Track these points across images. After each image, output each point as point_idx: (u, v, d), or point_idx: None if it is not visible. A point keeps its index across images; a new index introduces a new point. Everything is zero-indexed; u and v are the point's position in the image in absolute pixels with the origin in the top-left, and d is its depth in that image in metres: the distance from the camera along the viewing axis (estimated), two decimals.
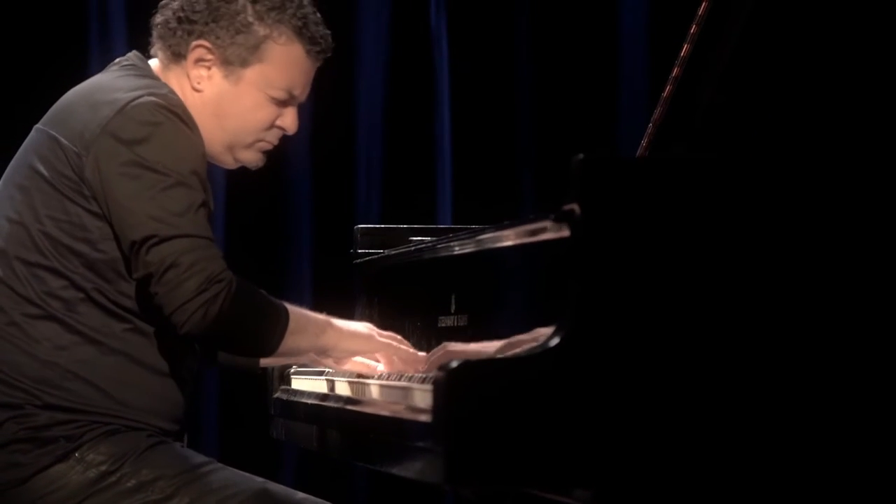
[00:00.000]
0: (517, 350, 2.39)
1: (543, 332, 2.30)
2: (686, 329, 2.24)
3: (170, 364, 2.76)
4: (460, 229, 2.98)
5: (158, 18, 2.84)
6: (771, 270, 2.27)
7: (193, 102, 2.80)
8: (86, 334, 2.70)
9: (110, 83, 2.77)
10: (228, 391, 4.51)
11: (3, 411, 2.68)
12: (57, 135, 2.71)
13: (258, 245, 4.56)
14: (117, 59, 2.87)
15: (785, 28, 2.65)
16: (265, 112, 2.84)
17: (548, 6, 4.70)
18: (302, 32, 2.83)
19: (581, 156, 2.24)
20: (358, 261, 3.32)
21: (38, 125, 2.79)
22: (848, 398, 2.26)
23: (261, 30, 2.80)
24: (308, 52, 2.85)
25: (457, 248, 2.78)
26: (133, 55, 2.86)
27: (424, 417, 2.29)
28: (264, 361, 3.11)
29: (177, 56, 2.81)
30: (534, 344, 2.26)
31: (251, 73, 2.81)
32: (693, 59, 2.64)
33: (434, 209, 4.66)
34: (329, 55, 2.89)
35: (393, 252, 3.19)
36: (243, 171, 4.48)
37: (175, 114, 2.68)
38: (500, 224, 2.54)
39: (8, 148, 2.86)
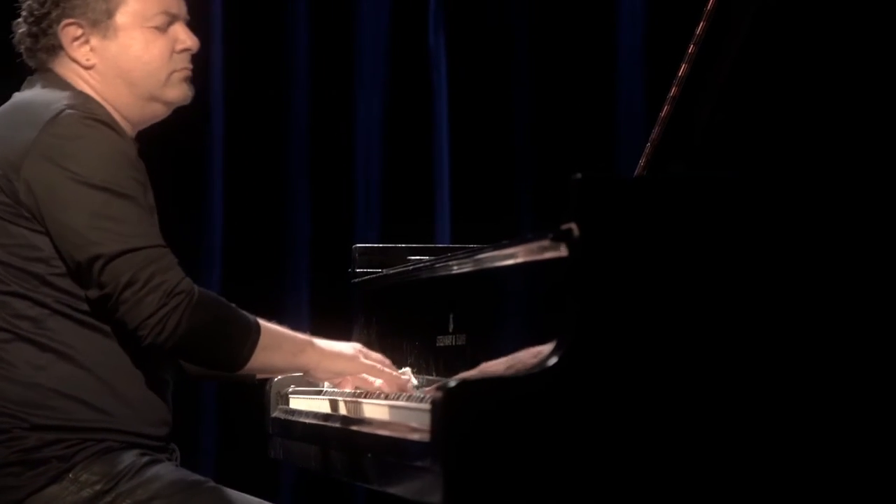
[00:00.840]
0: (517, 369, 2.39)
1: (542, 350, 2.30)
2: (685, 347, 2.25)
3: (147, 367, 2.75)
4: (459, 249, 3.00)
5: (17, 35, 2.84)
6: (769, 288, 2.27)
7: (95, 80, 2.80)
8: (60, 351, 2.69)
9: (27, 101, 2.77)
10: (226, 410, 4.51)
11: None
12: None
13: (257, 264, 4.57)
14: (29, 77, 2.86)
15: (782, 48, 2.67)
16: (157, 45, 2.82)
17: (546, 26, 4.71)
18: None
19: (579, 175, 2.25)
20: (356, 280, 3.32)
21: None
22: (849, 426, 2.27)
23: None
24: None
25: (455, 268, 2.78)
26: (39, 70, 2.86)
27: (423, 437, 2.29)
28: (261, 375, 3.12)
29: (53, 50, 2.81)
30: (533, 362, 2.27)
31: (122, 18, 2.80)
32: (691, 78, 2.64)
33: (432, 228, 4.67)
34: None
35: (391, 271, 3.19)
36: (241, 188, 4.55)
37: (98, 121, 2.68)
38: (498, 243, 2.54)
39: None
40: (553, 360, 2.20)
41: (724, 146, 2.68)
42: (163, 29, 2.82)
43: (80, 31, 2.79)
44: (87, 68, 2.80)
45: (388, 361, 2.86)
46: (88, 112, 2.69)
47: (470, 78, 4.69)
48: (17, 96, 2.82)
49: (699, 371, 2.24)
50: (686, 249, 2.27)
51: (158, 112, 2.86)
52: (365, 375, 2.86)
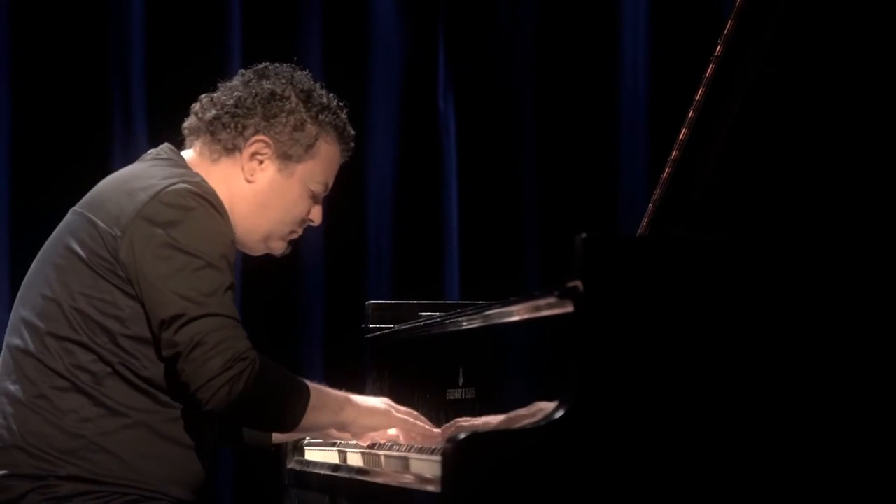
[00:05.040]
0: (522, 422, 2.43)
1: (544, 405, 2.35)
2: (685, 400, 2.29)
3: (190, 437, 2.81)
4: (468, 305, 3.05)
5: (207, 114, 2.92)
6: (767, 347, 2.32)
7: (243, 193, 2.91)
8: (111, 407, 2.75)
9: (145, 171, 2.85)
10: (244, 462, 4.51)
11: (27, 482, 2.73)
12: (94, 217, 2.79)
13: (274, 320, 4.59)
14: (150, 151, 2.95)
15: (779, 115, 2.69)
16: (304, 205, 2.97)
17: (552, 89, 4.77)
18: (342, 134, 2.98)
19: (584, 234, 2.31)
20: (369, 335, 3.37)
21: (76, 208, 2.87)
22: (851, 479, 2.32)
23: (314, 129, 2.93)
24: (342, 151, 3.00)
25: (465, 324, 2.83)
26: (166, 147, 2.95)
27: (433, 488, 2.35)
28: (278, 437, 3.16)
29: (230, 150, 2.91)
30: (537, 417, 2.32)
31: (303, 168, 2.93)
32: (691, 142, 2.67)
33: (442, 286, 4.70)
34: (350, 154, 3.04)
35: (403, 327, 3.23)
36: None
37: (207, 200, 2.77)
38: (506, 300, 2.59)
39: (36, 229, 2.95)
40: (560, 413, 2.24)
41: (721, 208, 2.70)
42: (313, 196, 2.97)
43: (266, 151, 2.91)
44: (247, 181, 2.91)
45: (416, 413, 2.91)
46: (200, 189, 2.78)
47: (478, 140, 4.73)
48: (136, 166, 2.91)
49: (702, 424, 2.28)
50: (687, 307, 2.31)
51: (257, 250, 3.01)
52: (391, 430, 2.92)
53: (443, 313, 3.11)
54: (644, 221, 2.78)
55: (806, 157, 2.71)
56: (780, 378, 2.32)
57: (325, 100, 2.96)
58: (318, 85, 2.99)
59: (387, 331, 3.32)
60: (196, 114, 2.95)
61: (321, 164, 2.96)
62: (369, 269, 4.68)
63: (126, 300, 2.75)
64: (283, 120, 2.91)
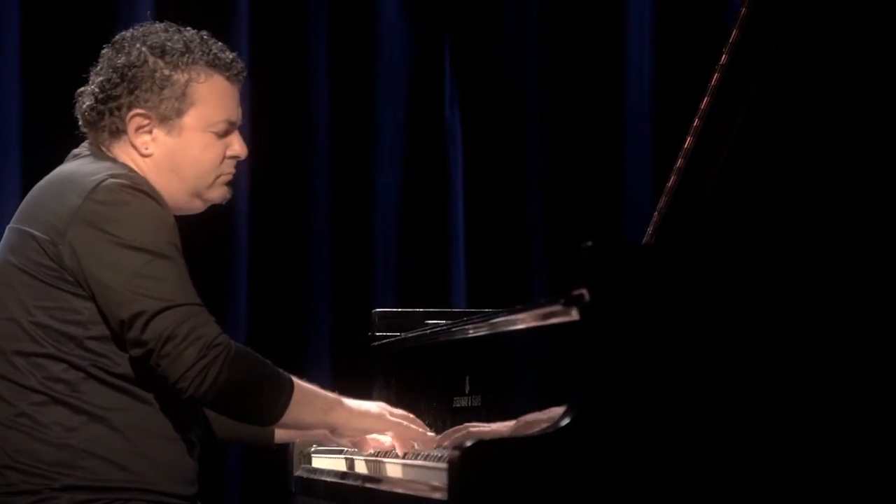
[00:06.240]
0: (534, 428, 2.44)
1: (556, 411, 2.35)
2: (692, 408, 2.30)
3: (176, 429, 2.80)
4: (475, 313, 3.05)
5: (82, 107, 2.90)
6: (774, 354, 2.33)
7: (148, 168, 2.87)
8: (92, 413, 2.74)
9: (72, 172, 2.83)
10: (250, 469, 4.53)
11: (23, 498, 2.72)
12: (30, 229, 2.77)
13: (280, 328, 4.61)
14: (73, 150, 2.93)
15: (783, 123, 2.71)
16: (214, 149, 2.91)
17: (557, 98, 4.79)
18: (216, 64, 2.91)
19: (590, 243, 2.31)
20: (376, 343, 3.38)
21: (10, 224, 2.85)
22: (864, 489, 2.33)
23: (181, 77, 2.87)
24: (228, 78, 2.93)
25: (471, 331, 2.83)
26: (86, 143, 2.93)
27: (440, 495, 2.35)
28: (279, 436, 3.16)
29: (115, 133, 2.88)
30: (546, 423, 2.33)
31: (189, 120, 2.88)
32: (696, 151, 2.69)
33: (448, 294, 4.72)
34: (245, 73, 2.98)
35: (410, 335, 3.24)
36: (265, 255, 4.63)
37: (140, 190, 2.75)
38: (512, 308, 2.60)
39: None
40: (566, 421, 2.25)
41: (726, 216, 2.72)
42: (221, 135, 2.92)
43: (146, 122, 2.87)
44: (144, 156, 2.88)
45: (412, 417, 2.90)
46: (130, 181, 2.76)
47: (484, 148, 4.75)
48: (62, 168, 2.89)
49: (709, 432, 2.30)
50: (692, 315, 2.32)
51: (196, 207, 2.96)
52: (376, 436, 2.92)
53: (449, 321, 3.12)
54: (650, 229, 2.81)
55: (811, 165, 2.72)
56: (786, 385, 2.33)
57: (180, 44, 2.89)
58: (173, 30, 2.92)
59: (393, 339, 3.33)
60: (79, 112, 2.93)
61: (209, 105, 2.89)
62: (376, 277, 4.69)
63: (82, 303, 2.73)
64: (148, 86, 2.86)
